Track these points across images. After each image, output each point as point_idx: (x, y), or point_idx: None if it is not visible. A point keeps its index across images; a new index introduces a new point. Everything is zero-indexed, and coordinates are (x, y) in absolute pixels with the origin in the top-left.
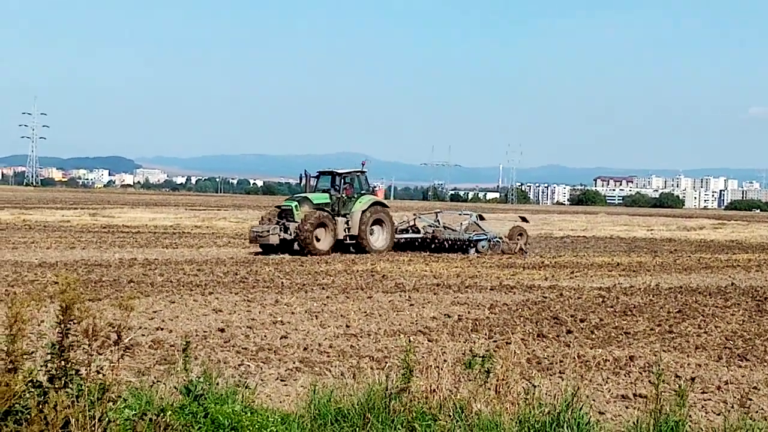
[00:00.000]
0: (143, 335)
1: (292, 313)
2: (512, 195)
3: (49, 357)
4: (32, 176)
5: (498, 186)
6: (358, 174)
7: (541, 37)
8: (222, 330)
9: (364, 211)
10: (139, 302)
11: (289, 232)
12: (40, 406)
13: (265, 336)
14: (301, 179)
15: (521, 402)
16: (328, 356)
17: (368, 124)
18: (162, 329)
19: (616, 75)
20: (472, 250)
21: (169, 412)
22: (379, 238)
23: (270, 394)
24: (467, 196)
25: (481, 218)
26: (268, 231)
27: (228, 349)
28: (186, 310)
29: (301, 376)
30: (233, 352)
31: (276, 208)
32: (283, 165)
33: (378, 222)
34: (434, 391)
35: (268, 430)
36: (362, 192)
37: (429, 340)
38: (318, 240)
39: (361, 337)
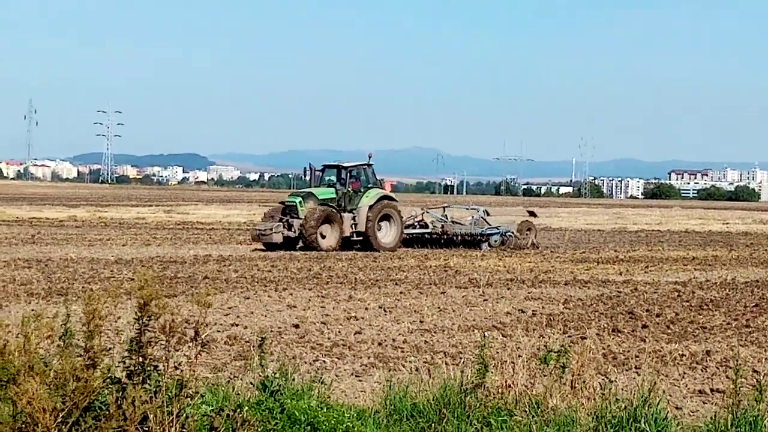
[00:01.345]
0: (219, 331)
1: (366, 308)
2: (585, 189)
3: (127, 353)
4: (107, 174)
5: (571, 180)
6: (364, 167)
7: (610, 28)
8: (296, 326)
9: (371, 206)
10: (214, 298)
11: (293, 230)
12: (119, 402)
13: (339, 332)
14: (305, 173)
15: (597, 397)
16: (403, 352)
17: (439, 119)
18: (237, 325)
19: (689, 66)
20: (485, 245)
21: (246, 408)
22: (387, 234)
23: (345, 389)
24: (540, 190)
25: (488, 213)
26: (271, 229)
27: (303, 345)
28: (261, 306)
29: (375, 371)
30: (308, 347)
31: (280, 204)
32: (355, 161)
33: (386, 217)
34: (509, 386)
35: (344, 425)
36: (369, 186)
37: (503, 336)
38: (323, 237)
39: (435, 332)
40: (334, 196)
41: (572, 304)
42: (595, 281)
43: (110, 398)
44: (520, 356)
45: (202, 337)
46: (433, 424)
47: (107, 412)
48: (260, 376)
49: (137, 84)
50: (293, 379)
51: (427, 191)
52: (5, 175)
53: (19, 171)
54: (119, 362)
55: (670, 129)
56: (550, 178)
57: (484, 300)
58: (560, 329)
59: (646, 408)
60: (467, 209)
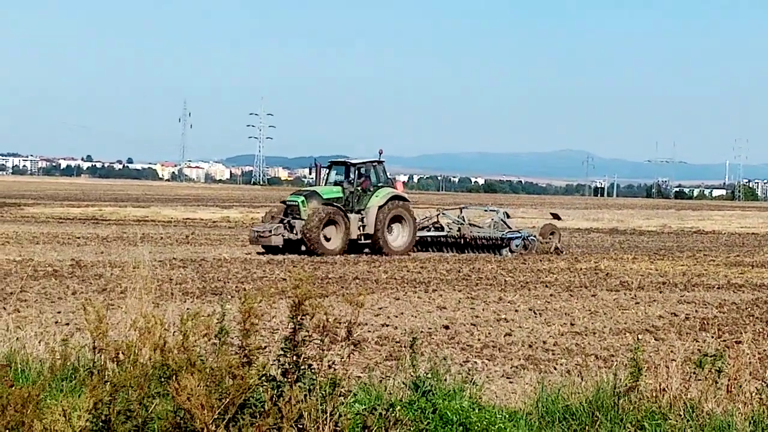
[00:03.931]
0: (369, 331)
1: (516, 310)
2: (739, 192)
3: (281, 351)
4: (259, 175)
5: (724, 183)
6: (374, 164)
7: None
8: (447, 327)
9: (381, 207)
10: (364, 299)
11: (294, 231)
12: (274, 400)
13: (489, 333)
14: (310, 170)
15: (754, 402)
16: (553, 354)
17: (590, 121)
18: (388, 326)
19: None
20: (505, 250)
21: (398, 408)
22: (398, 237)
23: (496, 390)
24: (692, 193)
25: (508, 216)
26: (270, 231)
27: (453, 346)
28: (410, 307)
29: (526, 373)
30: (458, 348)
31: (281, 204)
32: (504, 163)
33: (397, 219)
34: (663, 390)
35: (496, 426)
36: (379, 185)
37: (656, 339)
38: (327, 240)
39: (585, 335)
40: (340, 195)
41: (726, 308)
42: (750, 285)
43: (266, 396)
44: (673, 360)
45: (354, 336)
46: (585, 427)
47: (263, 410)
48: (412, 376)
49: (288, 87)
50: (444, 380)
51: (576, 193)
52: (161, 176)
53: (173, 172)
54: (274, 360)
55: None
56: (703, 180)
57: (636, 303)
58: (714, 333)
59: None
60: (486, 211)
